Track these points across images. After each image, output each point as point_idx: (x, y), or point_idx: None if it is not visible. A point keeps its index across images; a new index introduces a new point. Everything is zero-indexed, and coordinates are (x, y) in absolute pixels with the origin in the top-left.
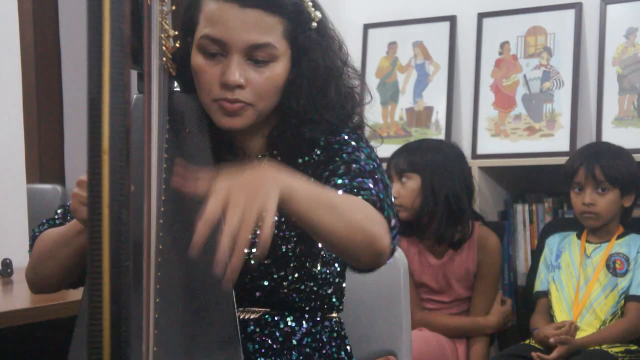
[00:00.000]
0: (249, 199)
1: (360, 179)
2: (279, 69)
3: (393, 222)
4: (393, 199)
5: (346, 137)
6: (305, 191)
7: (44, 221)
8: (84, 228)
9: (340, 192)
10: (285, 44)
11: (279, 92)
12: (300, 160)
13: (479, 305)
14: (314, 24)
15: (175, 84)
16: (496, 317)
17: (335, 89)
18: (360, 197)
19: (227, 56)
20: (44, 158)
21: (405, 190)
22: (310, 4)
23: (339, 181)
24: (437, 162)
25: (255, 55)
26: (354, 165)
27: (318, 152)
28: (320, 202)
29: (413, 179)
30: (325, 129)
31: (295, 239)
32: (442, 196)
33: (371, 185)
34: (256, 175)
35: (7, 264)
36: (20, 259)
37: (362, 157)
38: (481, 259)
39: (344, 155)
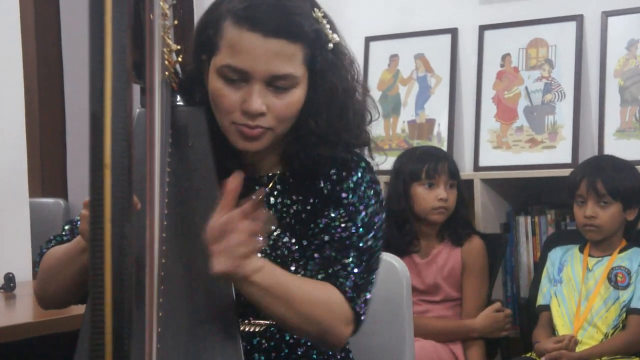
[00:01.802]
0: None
1: (342, 258)
2: (298, 94)
3: (361, 311)
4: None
5: (359, 177)
6: (264, 281)
7: (51, 237)
8: (87, 246)
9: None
10: (304, 68)
11: (297, 114)
12: (309, 182)
13: (468, 307)
14: (331, 45)
15: (178, 98)
16: (483, 320)
17: (352, 110)
18: (333, 285)
19: (248, 83)
20: (46, 172)
21: (454, 196)
22: (327, 26)
23: (317, 277)
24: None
25: (276, 83)
26: (345, 234)
27: (329, 185)
28: (276, 294)
29: (455, 187)
30: (343, 148)
31: (303, 258)
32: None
33: (350, 270)
34: None
35: (10, 278)
36: (23, 273)
37: (360, 218)
38: (465, 259)
39: (343, 211)
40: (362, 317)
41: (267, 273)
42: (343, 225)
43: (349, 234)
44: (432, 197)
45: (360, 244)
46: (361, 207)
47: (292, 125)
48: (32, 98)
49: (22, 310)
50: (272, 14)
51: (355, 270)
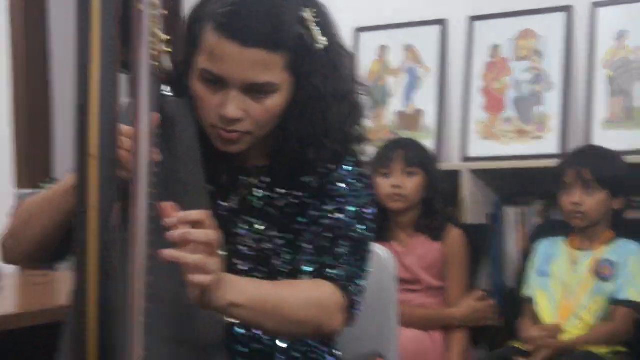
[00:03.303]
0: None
1: (332, 248)
2: (278, 99)
3: (356, 298)
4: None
5: (347, 170)
6: (251, 302)
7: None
8: (70, 189)
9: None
10: (286, 74)
11: (279, 118)
12: (297, 176)
13: (449, 296)
14: (320, 46)
15: (169, 88)
16: (462, 309)
17: (337, 114)
18: (322, 279)
19: (226, 89)
20: (33, 163)
21: (412, 183)
22: (317, 28)
23: (306, 268)
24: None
25: (254, 89)
26: (335, 224)
27: (317, 179)
28: (265, 309)
29: (419, 175)
30: (328, 153)
31: (288, 253)
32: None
33: (341, 260)
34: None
35: None
36: (8, 265)
37: (350, 209)
38: (446, 252)
39: (332, 202)
40: (357, 304)
41: (241, 292)
42: (333, 216)
43: (339, 225)
44: (386, 185)
45: (351, 234)
46: (350, 199)
47: (276, 126)
48: (19, 88)
49: (7, 302)
50: (252, 23)
51: (346, 260)
